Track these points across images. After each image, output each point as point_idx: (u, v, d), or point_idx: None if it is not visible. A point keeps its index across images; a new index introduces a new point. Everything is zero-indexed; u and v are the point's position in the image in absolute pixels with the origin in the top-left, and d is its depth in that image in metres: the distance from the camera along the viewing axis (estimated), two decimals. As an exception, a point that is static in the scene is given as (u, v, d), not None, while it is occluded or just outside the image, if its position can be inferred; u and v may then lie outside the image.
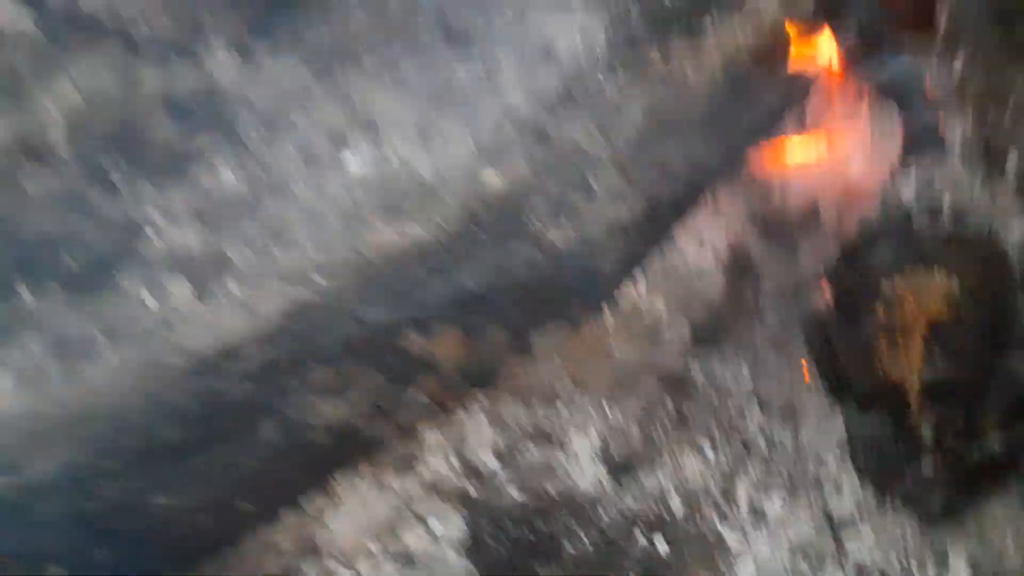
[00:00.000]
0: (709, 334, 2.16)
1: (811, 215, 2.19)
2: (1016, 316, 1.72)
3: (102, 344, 2.33)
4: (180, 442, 1.60)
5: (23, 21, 3.46)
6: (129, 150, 2.70)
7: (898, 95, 1.97)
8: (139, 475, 1.59)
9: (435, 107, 2.61)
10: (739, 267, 2.20)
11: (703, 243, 2.21)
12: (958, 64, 2.49)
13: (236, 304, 1.87)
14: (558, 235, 1.78)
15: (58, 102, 3.16)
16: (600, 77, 1.96)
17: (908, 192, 1.80)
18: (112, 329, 2.34)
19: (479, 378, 1.86)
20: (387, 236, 1.80)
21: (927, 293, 1.71)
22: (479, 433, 2.00)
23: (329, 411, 1.67)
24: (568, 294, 1.84)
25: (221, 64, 2.80)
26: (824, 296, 1.88)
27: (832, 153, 2.17)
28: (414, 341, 1.72)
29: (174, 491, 1.60)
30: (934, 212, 1.74)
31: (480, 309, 1.75)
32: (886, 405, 1.81)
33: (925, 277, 1.70)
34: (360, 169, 2.54)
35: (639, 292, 2.15)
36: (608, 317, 2.11)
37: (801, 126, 2.17)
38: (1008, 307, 1.72)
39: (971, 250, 1.71)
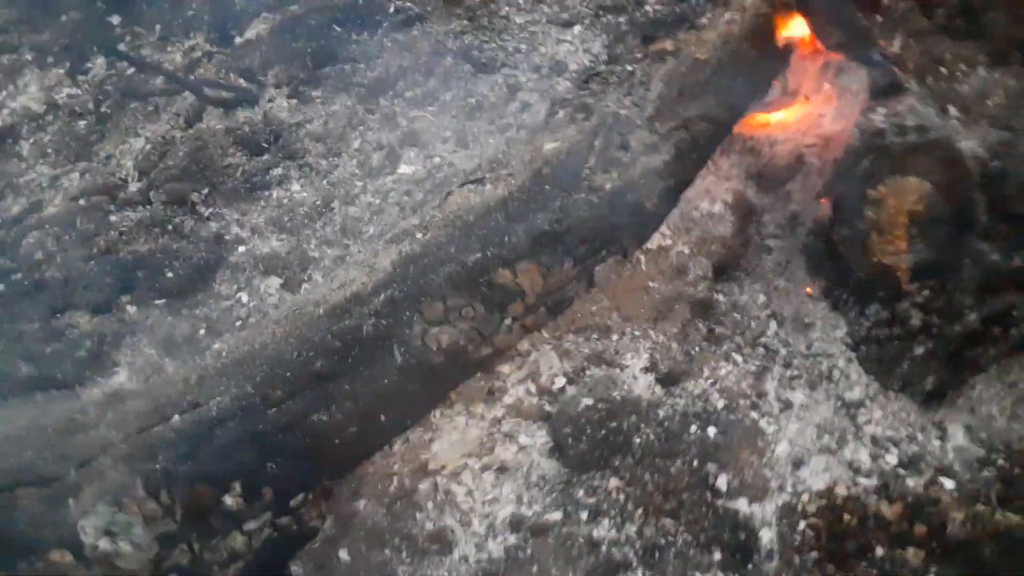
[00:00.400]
0: (726, 267, 2.58)
1: (797, 162, 2.64)
2: (976, 206, 2.17)
3: (204, 336, 2.74)
4: (329, 370, 2.00)
5: (76, 94, 3.91)
6: (205, 179, 3.15)
7: (862, 56, 2.43)
8: (298, 399, 1.98)
9: (469, 119, 3.09)
10: (744, 211, 2.64)
11: (712, 195, 2.65)
12: (897, 42, 3.02)
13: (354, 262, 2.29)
14: (608, 182, 2.22)
15: (124, 151, 3.61)
16: (627, 66, 2.45)
17: (879, 121, 2.26)
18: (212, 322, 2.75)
19: (556, 306, 2.27)
20: (470, 197, 2.23)
21: (904, 193, 2.16)
22: (549, 363, 2.40)
23: (442, 337, 2.07)
24: (620, 230, 2.27)
25: (279, 106, 3.28)
26: (825, 208, 2.33)
27: (812, 108, 2.64)
28: (504, 276, 2.13)
29: (327, 410, 1.98)
30: (901, 131, 2.19)
31: (553, 246, 2.17)
32: (882, 289, 2.24)
33: (901, 181, 2.16)
34: (411, 171, 3.01)
35: (664, 238, 2.59)
36: (642, 259, 2.54)
37: (785, 91, 2.64)
38: (968, 199, 2.17)
39: (934, 156, 2.16)
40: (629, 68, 2.31)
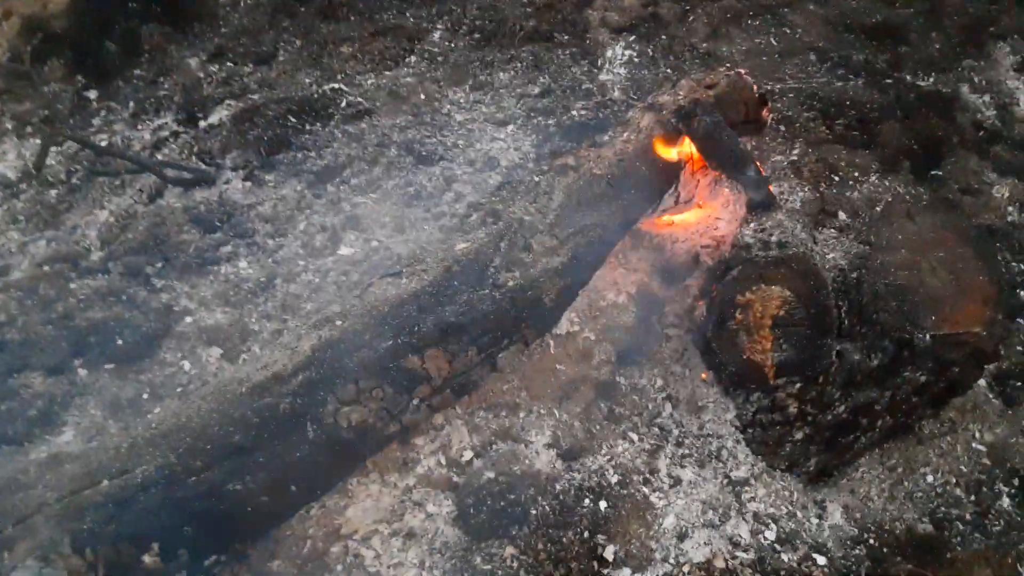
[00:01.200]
0: (628, 353, 2.83)
1: (695, 260, 2.92)
2: (833, 312, 2.44)
3: (147, 401, 2.92)
4: (246, 444, 2.20)
5: (52, 164, 4.18)
6: (160, 253, 3.39)
7: (739, 175, 2.73)
8: (217, 469, 2.17)
9: (407, 206, 3.36)
10: (647, 302, 2.90)
11: (618, 287, 2.92)
12: (796, 151, 3.35)
13: (278, 345, 2.51)
14: (511, 280, 2.47)
15: (90, 221, 3.85)
16: (536, 176, 2.73)
17: (748, 235, 2.55)
18: (155, 387, 2.95)
19: (461, 388, 2.49)
20: (387, 289, 2.48)
21: (768, 299, 2.44)
22: (459, 437, 2.61)
23: (353, 416, 2.29)
24: (521, 322, 2.50)
25: (235, 188, 3.54)
26: (701, 308, 2.60)
27: (710, 212, 2.93)
28: (412, 361, 2.35)
29: (242, 480, 2.18)
30: (766, 245, 2.48)
31: (459, 335, 2.40)
32: (753, 383, 2.49)
33: (765, 289, 2.43)
34: (351, 252, 3.26)
35: (573, 324, 2.84)
36: (551, 344, 2.78)
37: (679, 200, 2.93)
38: (826, 306, 2.44)
39: (793, 268, 2.44)
40: (536, 179, 2.60)
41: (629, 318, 2.87)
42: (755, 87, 2.66)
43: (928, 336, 2.37)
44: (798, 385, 2.49)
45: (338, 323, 2.40)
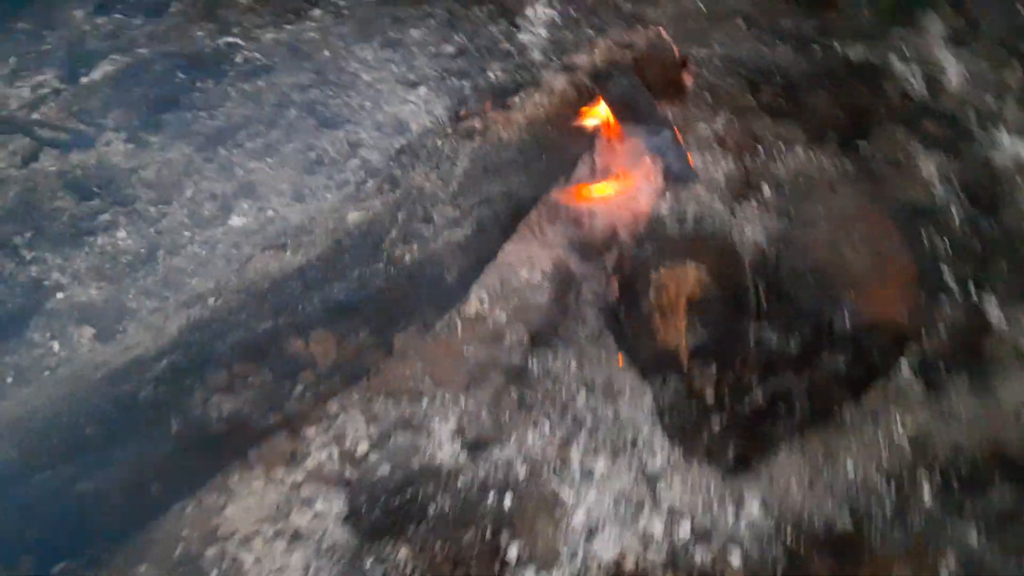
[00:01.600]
0: (542, 335, 2.64)
1: (612, 236, 2.74)
2: (749, 292, 2.29)
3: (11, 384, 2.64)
4: (100, 437, 1.95)
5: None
6: (31, 222, 3.05)
7: (655, 146, 2.54)
8: (66, 466, 1.92)
9: (307, 173, 3.09)
10: (562, 280, 2.71)
11: (532, 263, 2.72)
12: (720, 120, 3.17)
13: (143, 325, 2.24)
14: (408, 254, 2.25)
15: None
16: (438, 140, 2.50)
17: (663, 209, 2.36)
18: (21, 370, 2.67)
19: (351, 374, 2.27)
20: (268, 263, 2.23)
21: (683, 279, 2.27)
22: (354, 426, 2.40)
23: (225, 405, 2.04)
24: (420, 301, 2.29)
25: (115, 150, 3.21)
26: (613, 287, 2.42)
27: (631, 184, 2.74)
28: (295, 344, 2.12)
29: (95, 478, 1.93)
30: (682, 220, 2.30)
31: (349, 315, 2.17)
32: (668, 368, 2.33)
33: (680, 267, 2.26)
34: (243, 223, 2.98)
35: (483, 304, 2.63)
36: (459, 325, 2.57)
37: (595, 170, 2.74)
38: (742, 286, 2.29)
39: (710, 246, 2.27)
40: (438, 143, 2.37)
41: (544, 297, 2.68)
42: (675, 48, 2.47)
43: (847, 321, 2.24)
44: (714, 370, 2.34)
45: (211, 301, 2.14)
